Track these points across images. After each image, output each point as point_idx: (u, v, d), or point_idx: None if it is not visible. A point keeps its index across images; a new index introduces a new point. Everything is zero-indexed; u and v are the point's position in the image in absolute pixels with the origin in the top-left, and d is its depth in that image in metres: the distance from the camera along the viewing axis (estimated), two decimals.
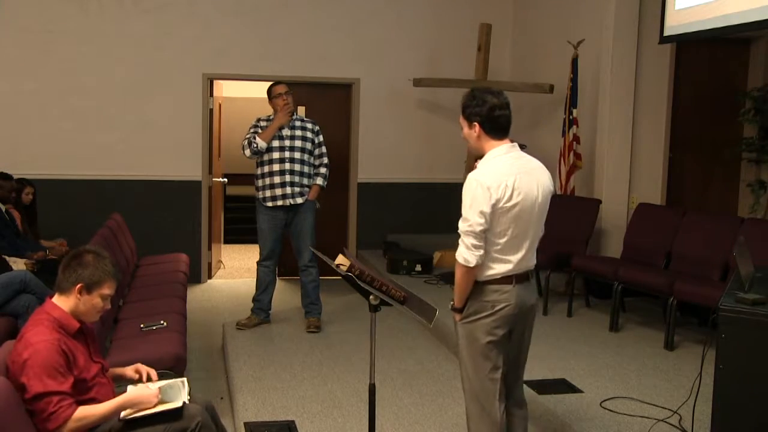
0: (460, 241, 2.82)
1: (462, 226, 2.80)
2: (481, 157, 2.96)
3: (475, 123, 2.88)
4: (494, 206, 2.76)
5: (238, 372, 4.60)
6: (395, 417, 3.99)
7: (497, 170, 2.82)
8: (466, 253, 2.79)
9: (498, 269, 2.86)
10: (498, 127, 2.88)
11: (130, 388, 3.01)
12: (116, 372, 3.11)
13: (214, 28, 7.42)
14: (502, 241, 2.83)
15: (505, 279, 2.87)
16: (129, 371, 3.09)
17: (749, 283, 2.86)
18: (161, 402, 2.83)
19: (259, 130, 5.30)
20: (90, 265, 2.82)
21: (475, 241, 2.78)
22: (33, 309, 3.33)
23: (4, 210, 5.65)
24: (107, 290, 2.85)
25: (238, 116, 9.43)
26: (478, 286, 2.88)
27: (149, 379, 3.04)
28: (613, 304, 5.27)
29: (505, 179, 2.79)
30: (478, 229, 2.76)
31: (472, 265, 2.79)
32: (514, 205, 2.80)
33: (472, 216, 2.77)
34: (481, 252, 2.80)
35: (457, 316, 2.97)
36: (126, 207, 7.00)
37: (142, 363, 3.13)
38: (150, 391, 2.82)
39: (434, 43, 7.91)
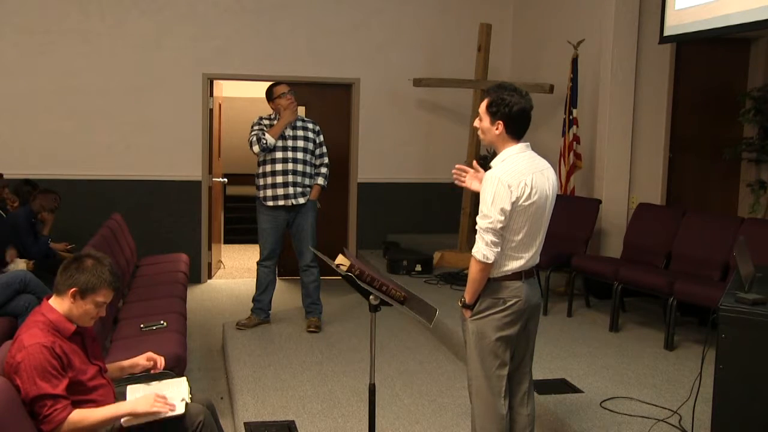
0: (477, 237, 2.85)
1: (482, 222, 2.83)
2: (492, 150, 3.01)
3: (500, 122, 2.91)
4: (514, 204, 2.81)
5: (238, 372, 4.59)
6: (395, 417, 3.99)
7: (516, 169, 2.86)
8: (485, 249, 2.82)
9: (511, 266, 2.91)
10: (520, 128, 2.94)
11: (129, 389, 3.01)
12: (125, 364, 3.10)
13: (214, 28, 7.43)
14: (518, 238, 2.88)
15: (516, 275, 2.92)
16: (141, 360, 3.08)
17: (749, 283, 2.86)
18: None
19: (265, 128, 5.29)
20: (88, 270, 2.79)
21: (494, 238, 2.81)
22: (33, 309, 3.33)
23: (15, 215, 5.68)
24: (101, 298, 2.82)
25: (238, 116, 9.44)
26: (491, 282, 2.92)
27: (155, 377, 3.04)
28: (613, 304, 5.27)
29: (524, 178, 2.84)
30: (499, 226, 2.81)
31: (490, 261, 2.83)
32: (531, 204, 2.85)
33: (493, 213, 2.80)
34: (499, 249, 2.84)
35: (467, 313, 2.99)
36: (126, 207, 7.01)
37: None
38: (149, 399, 2.78)
39: (434, 43, 7.92)
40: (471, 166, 3.25)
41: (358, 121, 7.85)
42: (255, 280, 5.57)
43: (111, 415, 2.72)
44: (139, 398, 2.82)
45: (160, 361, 3.11)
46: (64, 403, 2.63)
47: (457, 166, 3.26)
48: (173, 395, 2.90)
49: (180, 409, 2.78)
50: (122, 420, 2.72)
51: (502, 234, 2.84)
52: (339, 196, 7.77)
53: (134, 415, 2.73)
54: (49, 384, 2.61)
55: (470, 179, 3.19)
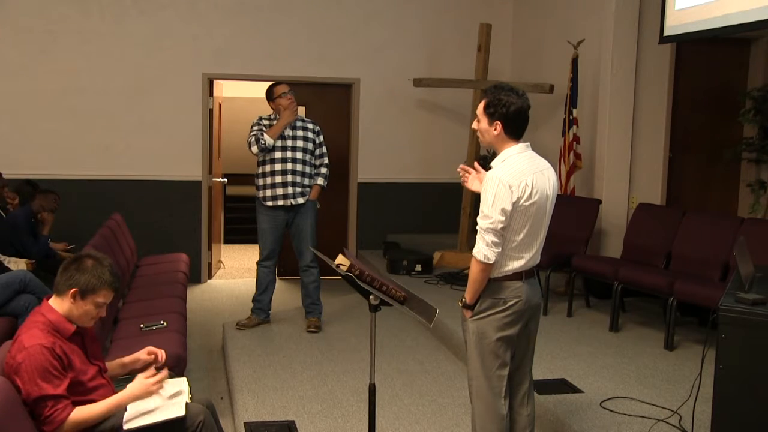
0: (478, 237, 2.85)
1: (483, 222, 2.83)
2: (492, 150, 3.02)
3: (498, 122, 2.91)
4: (515, 204, 2.81)
5: (238, 372, 4.60)
6: (395, 417, 3.99)
7: (517, 169, 2.86)
8: (486, 250, 2.82)
9: (512, 266, 2.91)
10: (518, 129, 2.94)
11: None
12: (126, 360, 3.11)
13: (214, 28, 7.43)
14: (518, 238, 2.88)
15: (516, 275, 2.92)
16: (142, 355, 3.09)
17: (749, 283, 2.86)
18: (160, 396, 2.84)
19: (264, 128, 5.30)
20: (88, 271, 2.79)
21: (495, 238, 2.81)
22: (33, 309, 3.33)
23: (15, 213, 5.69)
24: (101, 298, 2.82)
25: (238, 116, 9.44)
26: (491, 282, 2.92)
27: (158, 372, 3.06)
28: (613, 304, 5.27)
29: (525, 178, 2.84)
30: (500, 226, 2.81)
31: (491, 261, 2.83)
32: (532, 204, 2.85)
33: (494, 213, 2.80)
34: (499, 249, 2.84)
35: (468, 313, 2.99)
36: (126, 207, 7.00)
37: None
38: (143, 381, 2.80)
39: (434, 43, 7.92)
40: (472, 166, 3.25)
41: (358, 121, 7.84)
42: (255, 280, 5.58)
43: (111, 407, 2.73)
44: (132, 385, 2.83)
45: (161, 354, 3.11)
46: (65, 402, 2.64)
47: (461, 166, 3.26)
48: (175, 395, 2.90)
49: (180, 410, 2.78)
50: (124, 423, 2.72)
51: (502, 234, 2.84)
52: (339, 196, 7.77)
53: (134, 399, 2.75)
54: (51, 384, 2.61)
55: (472, 179, 3.19)
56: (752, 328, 2.59)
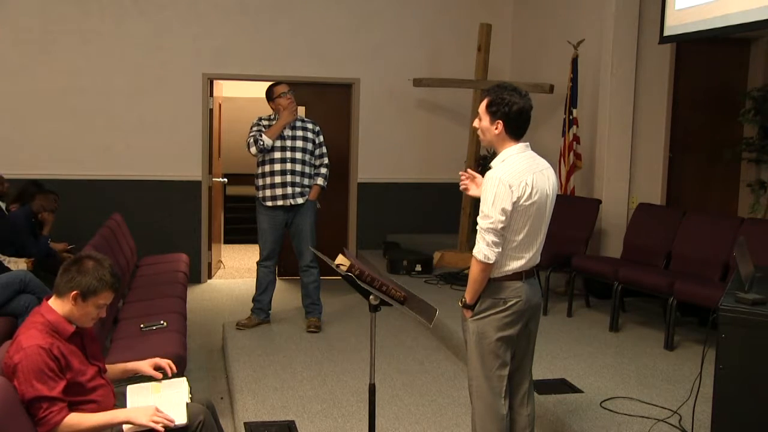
0: (478, 237, 2.85)
1: (483, 222, 2.83)
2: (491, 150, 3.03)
3: (499, 121, 2.91)
4: (515, 204, 2.81)
5: (238, 372, 4.60)
6: (395, 417, 3.99)
7: (517, 169, 2.86)
8: (486, 250, 2.82)
9: (512, 266, 2.91)
10: (519, 129, 2.94)
11: (129, 389, 3.00)
12: (129, 368, 3.10)
13: (214, 28, 7.43)
14: (519, 238, 2.88)
15: (516, 275, 2.93)
16: (147, 368, 3.07)
17: (749, 283, 2.86)
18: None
19: (263, 129, 5.30)
20: (89, 272, 2.77)
21: (495, 238, 2.81)
22: (33, 309, 3.33)
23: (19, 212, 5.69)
24: (102, 300, 2.81)
25: (238, 116, 9.43)
26: (491, 282, 2.92)
27: (165, 376, 3.04)
28: (613, 304, 5.27)
29: (525, 177, 2.84)
30: (500, 226, 2.81)
31: (491, 261, 2.83)
32: (532, 204, 2.85)
33: (494, 213, 2.80)
34: (500, 249, 2.84)
35: (468, 313, 2.99)
36: (126, 207, 7.00)
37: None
38: (149, 412, 2.75)
39: (434, 43, 7.92)
40: (470, 167, 3.25)
41: (358, 121, 7.84)
42: (255, 280, 5.58)
43: (107, 422, 2.70)
44: (138, 408, 2.81)
45: (169, 366, 3.08)
46: (60, 405, 2.62)
47: (461, 172, 3.26)
48: (174, 398, 2.89)
49: (182, 420, 2.77)
50: (123, 429, 2.71)
51: (503, 234, 2.84)
52: (339, 196, 7.77)
53: (131, 423, 2.72)
54: (46, 386, 2.60)
55: (470, 185, 3.18)
56: (752, 328, 2.59)
